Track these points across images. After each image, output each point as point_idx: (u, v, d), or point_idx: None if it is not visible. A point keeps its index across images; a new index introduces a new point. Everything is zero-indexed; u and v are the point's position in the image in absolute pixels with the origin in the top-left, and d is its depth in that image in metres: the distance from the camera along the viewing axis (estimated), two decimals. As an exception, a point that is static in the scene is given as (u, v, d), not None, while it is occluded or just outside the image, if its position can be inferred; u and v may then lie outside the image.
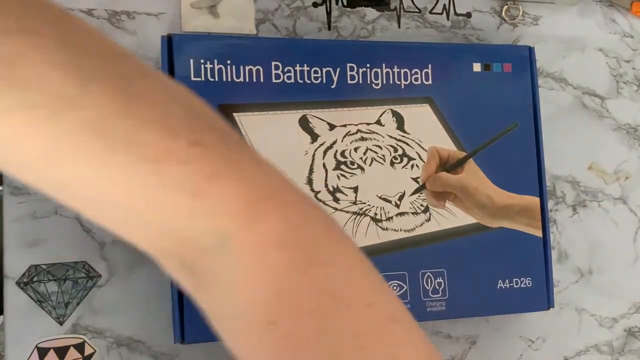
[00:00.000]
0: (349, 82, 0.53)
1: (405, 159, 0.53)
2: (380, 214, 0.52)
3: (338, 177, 0.51)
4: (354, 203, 0.52)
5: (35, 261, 0.49)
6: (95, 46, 0.23)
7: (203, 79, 0.49)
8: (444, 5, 0.58)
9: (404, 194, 0.53)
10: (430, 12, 0.58)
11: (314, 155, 0.51)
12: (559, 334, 0.60)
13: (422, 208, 0.53)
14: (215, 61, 0.50)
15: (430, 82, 0.54)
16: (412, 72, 0.54)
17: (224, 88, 0.50)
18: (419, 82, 0.54)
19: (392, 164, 0.53)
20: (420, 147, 0.54)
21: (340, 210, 0.51)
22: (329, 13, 0.56)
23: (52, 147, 0.21)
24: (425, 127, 0.54)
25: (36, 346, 0.48)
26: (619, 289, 0.63)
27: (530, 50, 0.58)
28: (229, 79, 0.50)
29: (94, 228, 0.50)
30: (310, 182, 0.51)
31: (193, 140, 0.22)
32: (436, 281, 0.53)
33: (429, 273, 0.53)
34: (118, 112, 0.22)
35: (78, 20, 0.23)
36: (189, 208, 0.23)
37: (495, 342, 0.59)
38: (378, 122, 0.53)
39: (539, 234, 0.55)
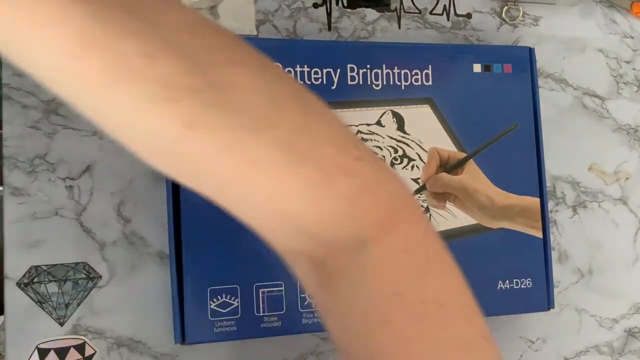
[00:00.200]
0: (349, 82, 0.53)
1: (405, 160, 0.53)
2: (381, 215, 0.52)
3: (338, 178, 0.51)
4: (354, 204, 0.52)
5: (35, 262, 0.49)
6: (279, 71, 0.27)
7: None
8: (444, 6, 0.58)
9: (404, 194, 0.53)
10: (431, 13, 0.59)
11: (314, 156, 0.51)
12: (559, 335, 0.60)
13: (423, 209, 0.53)
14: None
15: (430, 82, 0.54)
16: (413, 73, 0.54)
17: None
18: (419, 83, 0.54)
19: (392, 164, 0.53)
20: (421, 147, 0.54)
21: (341, 211, 0.51)
22: (329, 14, 0.56)
23: (246, 161, 0.24)
24: (426, 128, 0.54)
25: (36, 347, 0.48)
26: (619, 290, 0.63)
27: (531, 51, 0.58)
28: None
29: (94, 229, 0.50)
30: (310, 183, 0.51)
31: (357, 156, 0.27)
32: (436, 282, 0.53)
33: (429, 274, 0.53)
34: (302, 129, 0.25)
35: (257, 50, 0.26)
36: (345, 214, 0.26)
37: (495, 342, 0.59)
38: (378, 123, 0.53)
39: (539, 234, 0.55)
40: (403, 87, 0.54)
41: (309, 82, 0.52)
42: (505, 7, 0.62)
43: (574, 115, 0.64)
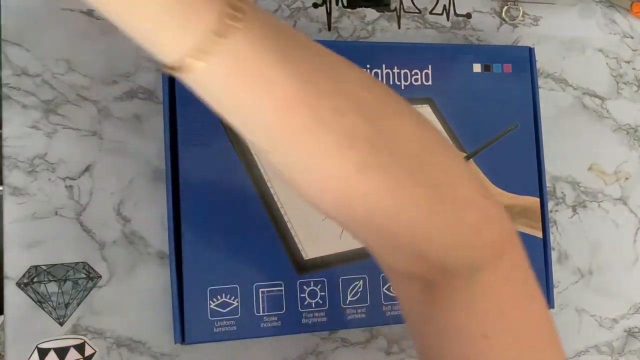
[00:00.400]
0: (349, 82, 0.53)
1: (405, 160, 0.53)
2: (381, 215, 0.52)
3: (338, 177, 0.52)
4: (354, 204, 0.52)
5: (35, 262, 0.49)
6: (424, 119, 0.31)
7: (203, 79, 0.49)
8: (444, 5, 0.58)
9: (404, 194, 0.53)
10: (431, 13, 0.59)
11: (314, 156, 0.51)
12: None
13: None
14: (216, 62, 0.50)
15: (430, 82, 0.54)
16: (412, 73, 0.54)
17: (224, 89, 0.50)
18: (419, 82, 0.54)
19: (392, 164, 0.53)
20: (421, 147, 0.54)
21: (341, 211, 0.51)
22: (329, 14, 0.56)
23: (403, 197, 0.28)
24: (426, 128, 0.54)
25: (36, 347, 0.48)
26: (619, 290, 0.63)
27: (531, 50, 0.58)
28: (229, 80, 0.50)
29: (94, 229, 0.50)
30: (310, 182, 0.51)
31: (483, 193, 0.31)
32: (436, 282, 0.53)
33: (429, 274, 0.53)
34: (445, 171, 0.29)
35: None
36: (468, 243, 0.30)
37: None
38: (378, 123, 0.53)
39: (539, 234, 0.55)
40: (403, 87, 0.54)
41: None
42: (505, 7, 0.62)
43: (574, 115, 0.64)
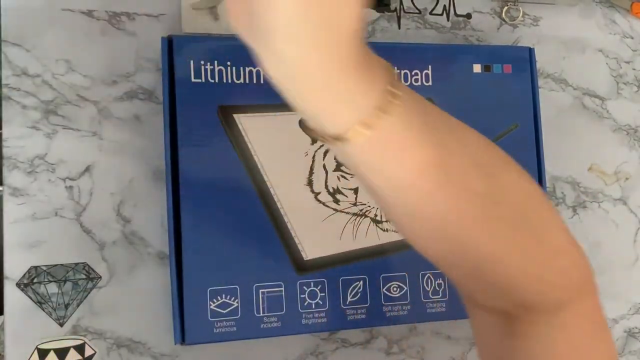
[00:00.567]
0: (349, 83, 0.53)
1: (405, 160, 0.53)
2: (381, 215, 0.52)
3: (338, 178, 0.51)
4: (354, 204, 0.52)
5: (35, 262, 0.49)
6: (524, 173, 0.33)
7: (203, 80, 0.49)
8: (444, 6, 0.58)
9: (404, 195, 0.53)
10: (431, 13, 0.59)
11: (314, 156, 0.51)
12: (559, 335, 0.60)
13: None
14: (216, 62, 0.50)
15: (430, 83, 0.54)
16: (412, 73, 0.54)
17: (224, 89, 0.50)
18: (419, 83, 0.54)
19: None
20: (421, 148, 0.54)
21: (341, 211, 0.51)
22: (329, 14, 0.56)
23: (507, 242, 0.32)
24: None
25: (36, 347, 0.48)
26: (619, 290, 0.63)
27: (531, 51, 0.58)
28: (230, 81, 0.50)
29: (94, 229, 0.50)
30: (310, 183, 0.51)
31: (570, 240, 0.34)
32: (436, 282, 0.53)
33: (429, 274, 0.53)
34: (543, 219, 0.33)
35: None
36: (556, 284, 0.34)
37: None
38: (378, 123, 0.53)
39: (539, 235, 0.55)
40: (403, 87, 0.54)
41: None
42: (505, 7, 0.62)
43: (574, 115, 0.64)
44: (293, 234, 0.50)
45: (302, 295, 0.50)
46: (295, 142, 0.51)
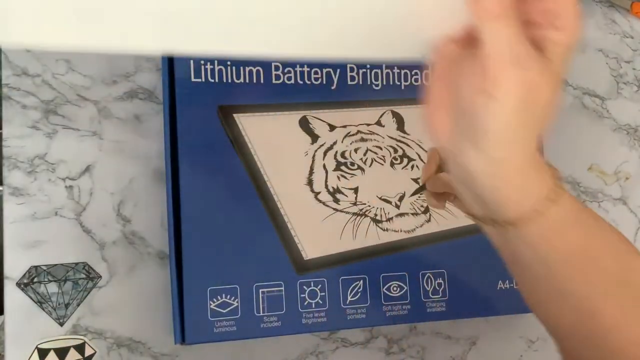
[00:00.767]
0: (349, 82, 0.53)
1: (405, 160, 0.53)
2: (381, 215, 0.52)
3: (338, 177, 0.52)
4: (354, 204, 0.52)
5: (35, 262, 0.49)
6: None
7: (203, 79, 0.49)
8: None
9: (404, 194, 0.53)
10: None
11: (314, 156, 0.51)
12: (559, 335, 0.60)
13: (422, 209, 0.53)
14: (216, 62, 0.50)
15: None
16: (412, 73, 0.54)
17: (224, 89, 0.50)
18: (419, 82, 0.54)
19: (392, 164, 0.53)
20: (421, 147, 0.54)
21: (341, 211, 0.51)
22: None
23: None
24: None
25: (36, 347, 0.48)
26: (619, 290, 0.63)
27: (531, 51, 0.58)
28: (229, 80, 0.50)
29: (94, 229, 0.50)
30: (310, 182, 0.51)
31: None
32: (436, 282, 0.53)
33: (429, 274, 0.53)
34: None
35: None
36: None
37: (496, 342, 0.59)
38: (378, 123, 0.53)
39: (539, 234, 0.55)
40: (403, 87, 0.54)
41: (309, 82, 0.52)
42: (505, 7, 0.62)
43: (574, 115, 0.64)
44: (293, 234, 0.50)
45: (302, 295, 0.50)
46: (295, 142, 0.51)
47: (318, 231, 0.50)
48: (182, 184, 0.48)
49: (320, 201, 0.51)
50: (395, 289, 0.52)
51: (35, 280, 0.49)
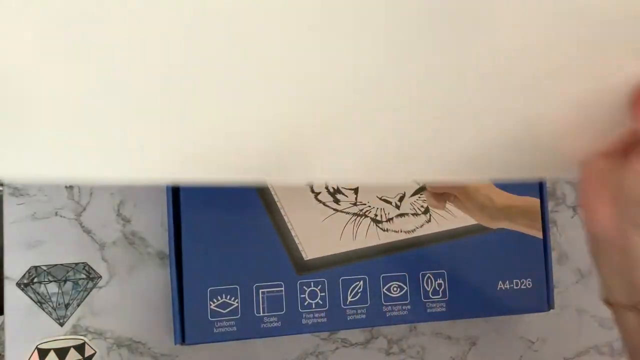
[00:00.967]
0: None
1: (405, 160, 0.53)
2: (381, 215, 0.52)
3: (338, 178, 0.51)
4: (354, 204, 0.52)
5: (35, 262, 0.49)
6: None
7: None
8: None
9: (404, 195, 0.53)
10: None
11: (314, 156, 0.51)
12: (559, 335, 0.60)
13: (423, 209, 0.53)
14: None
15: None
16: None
17: (224, 89, 0.50)
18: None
19: (392, 165, 0.53)
20: (421, 148, 0.54)
21: (341, 211, 0.51)
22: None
23: None
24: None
25: (36, 347, 0.48)
26: (619, 290, 0.63)
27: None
28: (229, 80, 0.50)
29: (94, 229, 0.50)
30: (310, 183, 0.51)
31: None
32: (436, 282, 0.53)
33: (429, 274, 0.53)
34: None
35: None
36: None
37: (496, 343, 0.59)
38: (378, 123, 0.53)
39: (540, 235, 0.55)
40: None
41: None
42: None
43: (574, 115, 0.64)
44: (293, 234, 0.50)
45: (302, 295, 0.50)
46: (295, 142, 0.51)
47: (318, 231, 0.50)
48: (182, 184, 0.48)
49: (320, 201, 0.51)
50: (395, 289, 0.52)
51: (36, 280, 0.49)
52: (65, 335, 0.49)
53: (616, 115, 0.27)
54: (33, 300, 0.49)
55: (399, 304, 0.52)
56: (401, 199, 0.52)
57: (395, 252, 0.52)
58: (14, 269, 0.48)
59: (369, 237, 0.52)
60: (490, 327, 0.58)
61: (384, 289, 0.52)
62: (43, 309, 0.49)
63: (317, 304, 0.50)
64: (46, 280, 0.49)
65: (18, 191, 0.49)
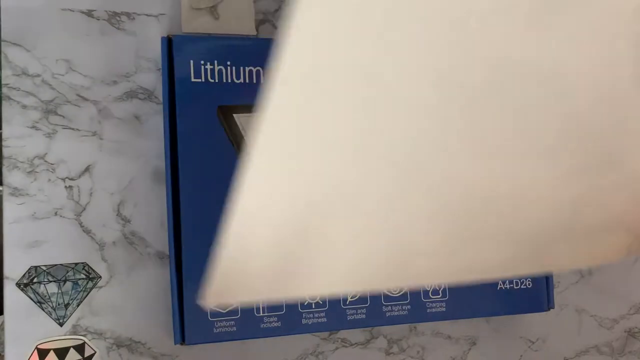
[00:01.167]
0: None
1: (405, 160, 0.53)
2: (381, 215, 0.52)
3: (338, 178, 0.51)
4: (354, 204, 0.52)
5: (35, 262, 0.49)
6: None
7: (203, 80, 0.49)
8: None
9: (404, 195, 0.53)
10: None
11: (314, 156, 0.51)
12: (559, 335, 0.60)
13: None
14: (216, 62, 0.50)
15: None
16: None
17: (224, 89, 0.50)
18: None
19: (392, 164, 0.53)
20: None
21: (341, 211, 0.51)
22: (329, 14, 0.56)
23: None
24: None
25: (36, 347, 0.48)
26: (619, 290, 0.63)
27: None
28: (229, 80, 0.50)
29: (94, 229, 0.50)
30: (310, 183, 0.51)
31: None
32: (436, 282, 0.53)
33: (429, 274, 0.53)
34: None
35: None
36: None
37: (496, 342, 0.59)
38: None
39: (539, 234, 0.55)
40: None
41: (309, 82, 0.52)
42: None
43: (573, 115, 0.64)
44: (293, 234, 0.50)
45: (302, 295, 0.50)
46: (295, 142, 0.51)
47: (318, 231, 0.50)
48: (182, 184, 0.48)
49: (320, 201, 0.51)
50: (395, 289, 0.52)
51: (35, 280, 0.49)
52: (65, 335, 0.49)
53: None
54: (33, 300, 0.49)
55: (398, 304, 0.52)
56: (401, 199, 0.52)
57: (395, 252, 0.52)
58: (14, 269, 0.48)
59: (369, 237, 0.52)
60: (490, 327, 0.58)
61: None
62: (43, 309, 0.49)
63: (317, 304, 0.50)
64: (46, 280, 0.49)
65: (18, 191, 0.49)
